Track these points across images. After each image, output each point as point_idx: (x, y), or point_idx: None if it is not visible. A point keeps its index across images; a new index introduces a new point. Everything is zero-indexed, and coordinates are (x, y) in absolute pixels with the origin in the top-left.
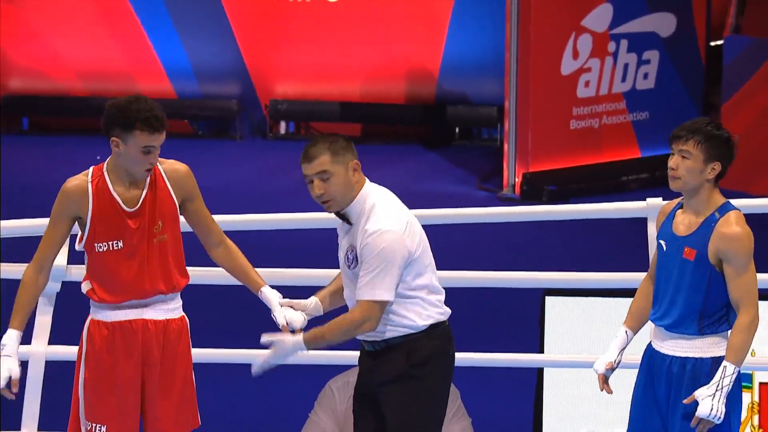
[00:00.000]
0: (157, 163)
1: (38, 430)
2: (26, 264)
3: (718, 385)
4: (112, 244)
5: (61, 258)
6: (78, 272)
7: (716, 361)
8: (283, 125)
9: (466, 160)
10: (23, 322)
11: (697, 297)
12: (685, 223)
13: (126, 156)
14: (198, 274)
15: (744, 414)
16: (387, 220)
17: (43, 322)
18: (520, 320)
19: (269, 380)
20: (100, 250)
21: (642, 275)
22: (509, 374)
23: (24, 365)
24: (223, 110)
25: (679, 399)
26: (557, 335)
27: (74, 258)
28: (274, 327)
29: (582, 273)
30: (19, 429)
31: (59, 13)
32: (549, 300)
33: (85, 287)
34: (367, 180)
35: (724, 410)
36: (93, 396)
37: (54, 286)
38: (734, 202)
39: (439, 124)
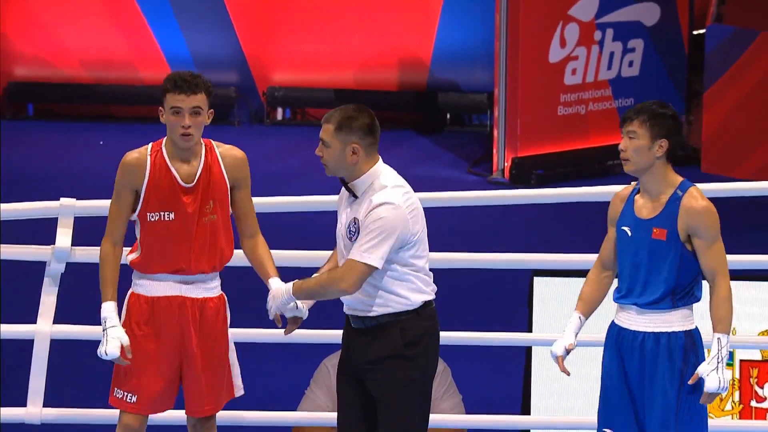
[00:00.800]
0: (215, 146)
1: (43, 406)
2: (26, 245)
3: (717, 358)
4: (164, 215)
5: (66, 240)
6: (83, 253)
7: (688, 334)
8: (280, 111)
9: (457, 145)
10: (114, 292)
11: (671, 275)
12: (647, 207)
13: (167, 125)
14: None
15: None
16: (394, 196)
17: (48, 301)
18: (510, 300)
19: (265, 358)
20: (152, 219)
21: None
22: (499, 353)
23: (29, 344)
24: (221, 97)
25: (655, 373)
26: (545, 314)
27: (79, 239)
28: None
29: (569, 254)
30: (25, 406)
31: (64, 3)
32: (537, 280)
33: (131, 257)
34: (380, 160)
35: (729, 378)
36: (128, 366)
37: (58, 267)
38: (717, 186)
39: (430, 110)
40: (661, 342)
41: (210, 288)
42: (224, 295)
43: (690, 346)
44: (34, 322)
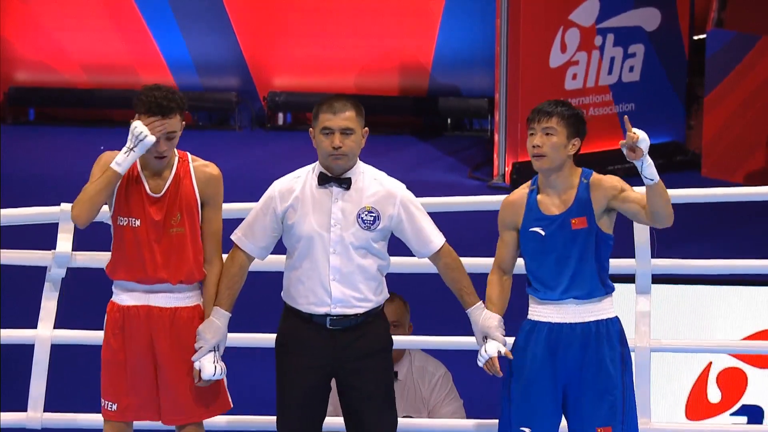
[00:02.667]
0: (190, 159)
1: (44, 412)
2: (27, 250)
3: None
4: (131, 220)
5: (66, 245)
6: (83, 259)
7: (618, 320)
8: (280, 116)
9: (458, 150)
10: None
11: (593, 259)
12: (555, 203)
13: None
14: None
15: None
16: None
17: (49, 306)
18: (509, 305)
19: (260, 363)
20: (121, 223)
21: (626, 261)
22: (499, 357)
23: (30, 349)
24: (222, 102)
25: (600, 361)
26: None
27: (80, 245)
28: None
29: None
30: (26, 411)
31: (64, 8)
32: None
33: (107, 263)
34: None
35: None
36: (106, 375)
37: (59, 272)
38: (717, 191)
39: (431, 115)
40: (601, 330)
41: (182, 297)
42: (201, 305)
43: (622, 330)
44: (35, 327)
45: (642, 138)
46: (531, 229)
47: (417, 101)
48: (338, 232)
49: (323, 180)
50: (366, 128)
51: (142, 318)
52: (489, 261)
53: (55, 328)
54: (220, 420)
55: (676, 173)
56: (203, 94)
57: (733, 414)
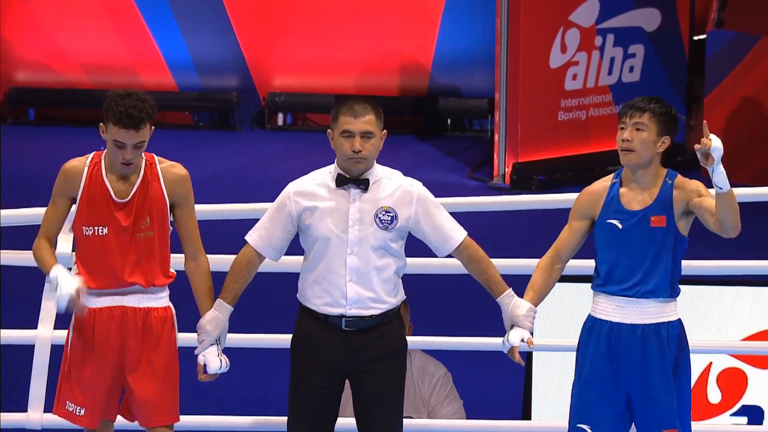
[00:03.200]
0: (156, 161)
1: (44, 412)
2: (27, 251)
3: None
4: (98, 229)
5: (67, 245)
6: None
7: (680, 323)
8: (280, 117)
9: (458, 150)
10: (54, 259)
11: (670, 261)
12: (637, 199)
13: (107, 145)
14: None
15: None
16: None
17: (49, 307)
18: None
19: (259, 363)
20: (87, 233)
21: None
22: (499, 358)
23: (30, 349)
24: (222, 102)
25: (656, 365)
26: (545, 320)
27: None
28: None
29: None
30: (26, 411)
31: (65, 8)
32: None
33: (73, 270)
34: None
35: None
36: (75, 379)
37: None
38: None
39: (431, 115)
40: (661, 333)
41: (154, 298)
42: (171, 307)
43: (682, 334)
44: (35, 327)
45: (715, 146)
46: (608, 221)
47: (417, 101)
48: (356, 232)
49: (341, 181)
50: (384, 131)
51: (116, 319)
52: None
53: (55, 328)
54: (230, 420)
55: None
56: (203, 94)
57: (733, 414)
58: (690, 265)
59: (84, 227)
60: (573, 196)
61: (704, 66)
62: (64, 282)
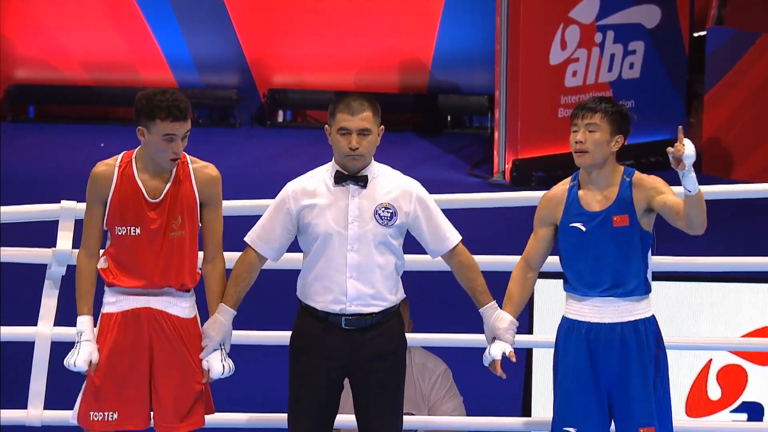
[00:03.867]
0: (189, 161)
1: (44, 409)
2: (27, 248)
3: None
4: (131, 229)
5: (67, 243)
6: None
7: (654, 319)
8: (280, 114)
9: (458, 147)
10: (90, 306)
11: (639, 258)
12: (597, 199)
13: (150, 145)
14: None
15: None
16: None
17: (49, 304)
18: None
19: (264, 360)
20: (119, 233)
21: None
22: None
23: (30, 346)
24: (223, 99)
25: (635, 362)
26: (545, 317)
27: (80, 242)
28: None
29: None
30: (26, 408)
31: (64, 5)
32: (537, 282)
33: (102, 264)
34: None
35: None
36: (105, 385)
37: (59, 270)
38: (717, 188)
39: (431, 112)
40: (640, 330)
41: (182, 307)
42: (198, 316)
43: (658, 330)
44: (35, 324)
45: (688, 153)
46: (571, 225)
47: (417, 98)
48: (356, 229)
49: (340, 178)
50: (382, 126)
51: (144, 322)
52: (488, 259)
53: (55, 325)
54: (231, 417)
55: (675, 171)
56: (203, 91)
57: (733, 411)
58: (690, 262)
59: (117, 227)
60: None
61: (704, 63)
62: (83, 353)
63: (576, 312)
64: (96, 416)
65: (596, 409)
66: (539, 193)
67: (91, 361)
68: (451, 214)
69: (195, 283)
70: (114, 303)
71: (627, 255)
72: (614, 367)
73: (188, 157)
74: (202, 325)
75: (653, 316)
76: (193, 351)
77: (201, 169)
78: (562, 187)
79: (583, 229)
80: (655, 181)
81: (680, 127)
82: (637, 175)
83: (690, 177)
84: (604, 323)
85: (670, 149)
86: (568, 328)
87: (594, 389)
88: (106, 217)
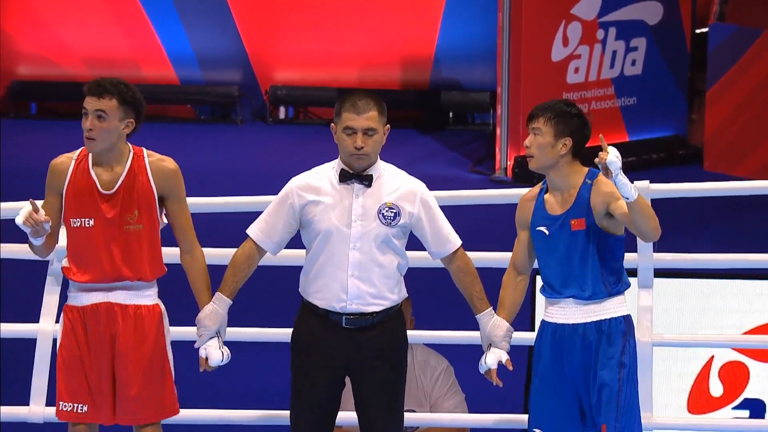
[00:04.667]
0: (145, 154)
1: (46, 405)
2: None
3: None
4: (85, 221)
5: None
6: None
7: (626, 319)
8: (282, 110)
9: (460, 144)
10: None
11: (596, 262)
12: (558, 202)
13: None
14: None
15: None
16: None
17: (51, 301)
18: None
19: (263, 356)
20: (74, 225)
21: (628, 255)
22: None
23: (32, 343)
24: (224, 96)
25: (597, 361)
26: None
27: None
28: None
29: None
30: (28, 404)
31: (66, 2)
32: (539, 279)
33: (63, 264)
34: None
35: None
36: (70, 377)
37: (61, 266)
38: (719, 185)
39: (433, 109)
40: (603, 329)
41: (142, 295)
42: (160, 305)
43: (627, 329)
44: (34, 320)
45: (611, 159)
46: (537, 228)
47: (419, 95)
48: (359, 227)
49: (344, 176)
50: (387, 125)
51: (103, 315)
52: (489, 255)
53: (57, 322)
54: (234, 414)
55: (677, 167)
56: (205, 87)
57: (735, 408)
58: (692, 259)
59: (71, 219)
60: None
61: (706, 59)
62: (22, 211)
63: (547, 314)
64: (65, 407)
65: (563, 410)
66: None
67: (30, 209)
68: (452, 210)
69: (157, 275)
70: (75, 298)
71: (583, 259)
72: (577, 367)
73: (145, 151)
74: (164, 315)
75: (624, 316)
76: (153, 341)
77: (157, 162)
78: (535, 190)
79: (547, 232)
80: (608, 186)
81: (601, 135)
82: (599, 178)
83: (622, 184)
84: (568, 324)
85: (596, 160)
86: (541, 329)
87: (561, 390)
88: (63, 210)
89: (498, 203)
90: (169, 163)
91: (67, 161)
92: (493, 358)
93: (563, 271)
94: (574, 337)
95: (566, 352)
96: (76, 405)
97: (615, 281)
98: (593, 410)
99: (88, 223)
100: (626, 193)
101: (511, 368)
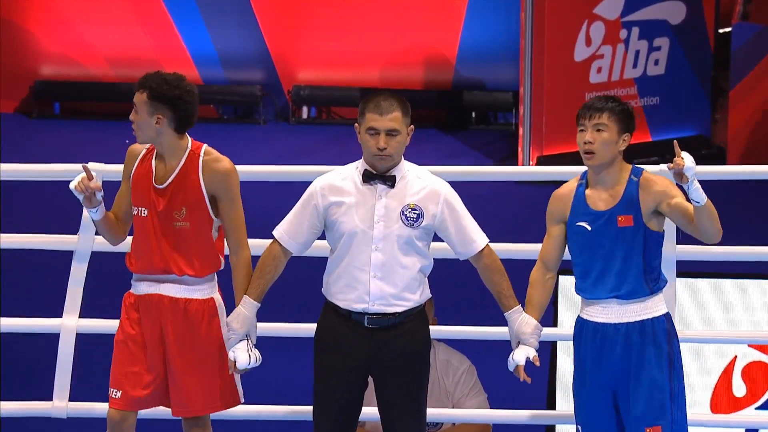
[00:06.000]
0: (202, 152)
1: (69, 401)
2: (54, 235)
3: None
4: (141, 210)
5: (90, 226)
6: (102, 242)
7: (667, 317)
8: (305, 110)
9: (482, 143)
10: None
11: (640, 259)
12: (602, 198)
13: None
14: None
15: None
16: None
17: (75, 294)
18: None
19: (287, 352)
20: (134, 212)
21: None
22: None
23: (55, 338)
24: (247, 96)
25: (643, 362)
26: (570, 310)
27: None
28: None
29: None
30: (51, 400)
31: (90, 1)
32: (561, 279)
33: (128, 250)
34: None
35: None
36: (116, 362)
37: (85, 261)
38: (743, 168)
39: (455, 108)
40: (646, 329)
41: (194, 289)
42: (215, 299)
43: (670, 328)
44: (60, 316)
45: (688, 166)
46: (578, 224)
47: (442, 95)
48: (381, 228)
49: (368, 177)
50: (411, 126)
51: (154, 307)
52: (510, 247)
53: (80, 317)
54: (257, 409)
55: (700, 167)
56: (228, 87)
57: (758, 408)
58: (713, 251)
59: (133, 206)
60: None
61: (729, 59)
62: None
63: (586, 312)
64: (110, 390)
65: (601, 409)
66: (567, 168)
67: (83, 178)
68: (476, 207)
69: (207, 273)
70: (134, 286)
71: (628, 256)
72: (617, 367)
73: (203, 149)
74: (220, 309)
75: (665, 314)
76: (204, 335)
77: (209, 162)
78: (571, 185)
79: (589, 228)
80: (663, 182)
81: (675, 141)
82: (645, 175)
83: (695, 189)
84: (609, 323)
85: (669, 165)
86: (579, 328)
87: (600, 390)
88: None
89: (520, 190)
90: (223, 163)
91: (140, 148)
92: (522, 354)
93: (604, 268)
94: (615, 336)
95: (606, 353)
96: (113, 390)
97: (655, 278)
98: (633, 411)
99: (143, 213)
100: (698, 197)
101: (538, 364)
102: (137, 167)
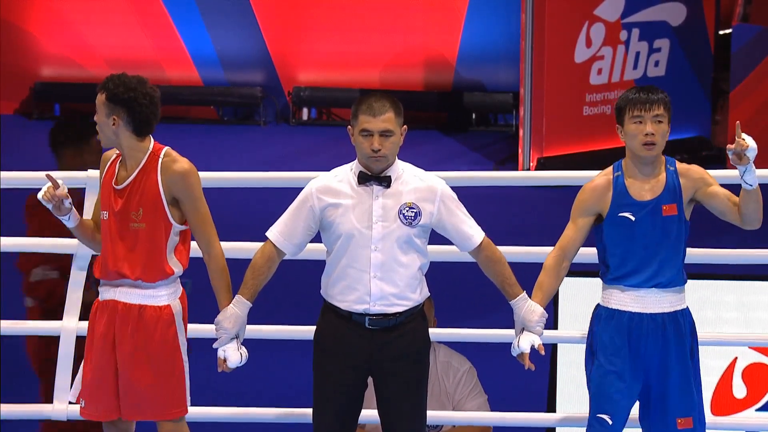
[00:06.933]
0: (162, 154)
1: (69, 403)
2: (54, 238)
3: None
4: (104, 213)
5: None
6: None
7: (689, 310)
8: (305, 111)
9: (483, 145)
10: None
11: (681, 247)
12: (645, 189)
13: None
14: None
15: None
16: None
17: (74, 298)
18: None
19: (281, 354)
20: (101, 217)
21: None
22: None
23: (56, 340)
24: (247, 97)
25: (676, 353)
26: (570, 312)
27: None
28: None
29: (590, 248)
30: (51, 402)
31: (90, 3)
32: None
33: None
34: None
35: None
36: (83, 372)
37: (85, 264)
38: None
39: (456, 110)
40: (679, 320)
41: (149, 295)
42: (173, 306)
43: (693, 322)
44: (60, 318)
45: (752, 147)
46: (620, 214)
47: (442, 96)
48: (380, 228)
49: (363, 178)
50: (405, 126)
51: (106, 313)
52: (511, 249)
53: (80, 320)
54: (256, 411)
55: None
56: (228, 89)
57: (758, 410)
58: (718, 254)
59: (100, 210)
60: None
61: (730, 60)
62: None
63: (617, 302)
64: (81, 403)
65: (630, 399)
66: (565, 173)
67: (49, 187)
68: (476, 209)
69: (158, 278)
70: (99, 292)
71: (673, 245)
72: (654, 358)
73: (164, 151)
74: (177, 316)
75: (688, 307)
76: (158, 343)
77: (168, 163)
78: (606, 177)
79: (633, 218)
80: (700, 170)
81: (738, 123)
82: (680, 164)
83: (752, 171)
84: (646, 313)
85: (730, 146)
86: (607, 316)
87: (631, 380)
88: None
89: (522, 196)
90: (181, 165)
91: (110, 154)
92: (527, 341)
93: (645, 257)
94: (651, 327)
95: (642, 342)
96: (81, 400)
97: (685, 269)
98: (666, 403)
99: (105, 216)
100: (752, 180)
101: (543, 353)
102: (106, 172)
